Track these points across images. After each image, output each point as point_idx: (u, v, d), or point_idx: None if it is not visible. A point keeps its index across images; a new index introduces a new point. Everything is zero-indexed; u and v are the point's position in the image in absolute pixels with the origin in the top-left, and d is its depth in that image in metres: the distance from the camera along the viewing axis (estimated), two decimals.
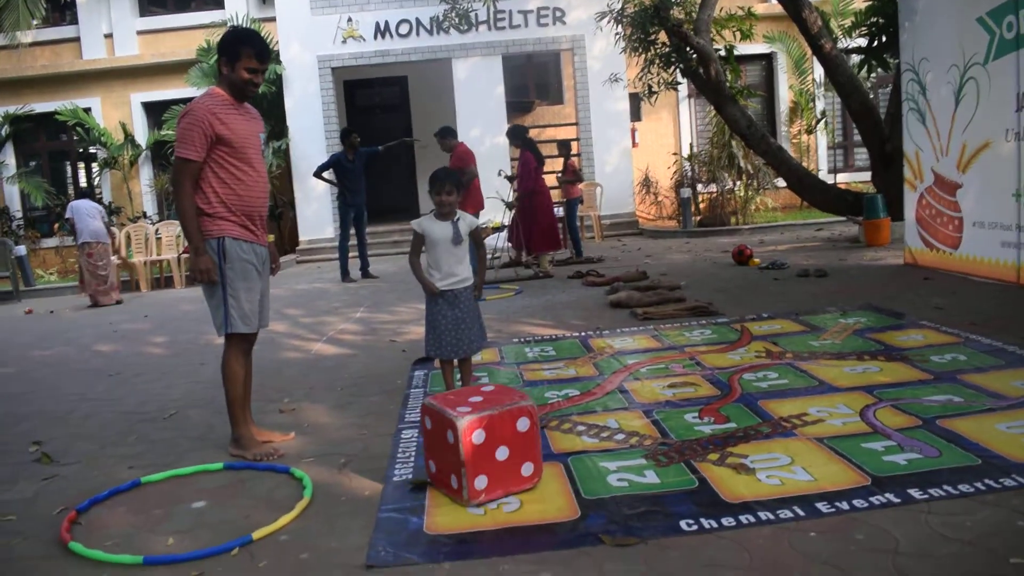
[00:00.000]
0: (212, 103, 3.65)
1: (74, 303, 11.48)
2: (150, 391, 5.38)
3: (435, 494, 3.09)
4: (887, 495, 2.75)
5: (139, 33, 16.00)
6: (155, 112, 15.79)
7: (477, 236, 4.38)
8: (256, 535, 2.84)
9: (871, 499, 2.73)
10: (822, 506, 2.70)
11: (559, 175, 11.20)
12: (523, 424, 3.04)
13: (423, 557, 2.58)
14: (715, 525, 2.63)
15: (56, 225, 15.60)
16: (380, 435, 3.93)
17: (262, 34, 14.81)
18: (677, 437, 3.50)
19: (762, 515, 2.67)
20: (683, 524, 2.65)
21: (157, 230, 13.52)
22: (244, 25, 3.95)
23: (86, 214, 10.96)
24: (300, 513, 3.03)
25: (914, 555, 2.35)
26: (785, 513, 2.67)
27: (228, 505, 3.22)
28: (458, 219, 4.27)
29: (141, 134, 15.80)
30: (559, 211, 12.13)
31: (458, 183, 4.32)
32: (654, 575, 2.35)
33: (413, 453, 3.59)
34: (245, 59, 3.67)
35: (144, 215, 15.22)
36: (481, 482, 2.95)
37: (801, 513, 2.66)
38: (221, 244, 3.66)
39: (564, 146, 11.26)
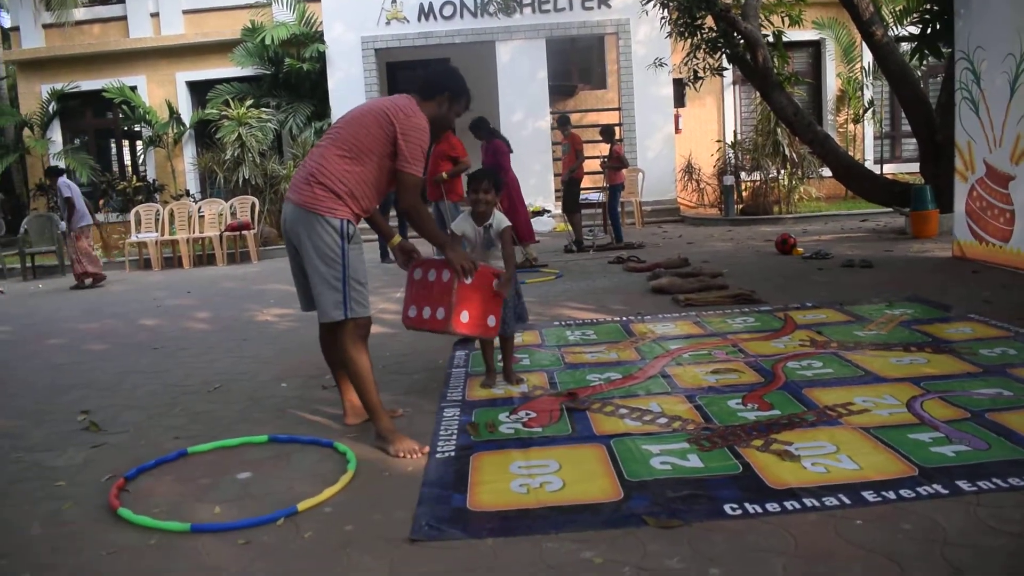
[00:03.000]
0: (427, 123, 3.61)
1: (62, 283, 11.51)
2: (195, 365, 5.47)
3: (478, 472, 3.10)
4: (935, 486, 2.71)
5: (184, 12, 16.21)
6: (199, 91, 15.98)
7: (506, 240, 4.26)
8: (301, 506, 2.88)
9: (918, 489, 2.69)
10: (868, 495, 2.67)
11: (603, 160, 11.15)
12: (496, 283, 3.90)
13: (466, 533, 2.60)
14: (760, 510, 2.61)
15: (101, 201, 15.86)
16: (423, 412, 3.96)
17: (306, 15, 14.98)
18: (720, 422, 3.48)
19: (807, 502, 2.64)
20: (727, 508, 2.63)
21: (200, 208, 13.69)
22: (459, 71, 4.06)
23: (80, 197, 10.95)
24: (344, 486, 3.06)
25: (963, 546, 2.32)
26: (831, 501, 2.64)
27: (273, 477, 3.26)
28: (490, 223, 4.23)
29: (185, 113, 15.99)
30: (601, 197, 12.10)
31: (497, 184, 4.29)
32: (699, 558, 2.34)
33: (456, 431, 3.61)
34: (461, 106, 3.76)
35: (187, 193, 15.42)
36: (464, 316, 3.76)
37: (847, 501, 2.63)
38: (345, 225, 3.47)
39: (607, 132, 11.19)
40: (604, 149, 11.37)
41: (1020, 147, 6.71)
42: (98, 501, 3.11)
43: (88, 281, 10.87)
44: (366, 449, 3.47)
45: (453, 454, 3.32)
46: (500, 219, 4.27)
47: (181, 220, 13.51)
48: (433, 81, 3.72)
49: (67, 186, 10.82)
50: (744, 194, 14.84)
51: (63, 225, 13.59)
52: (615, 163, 10.90)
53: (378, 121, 3.50)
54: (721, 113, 16.14)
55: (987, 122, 7.19)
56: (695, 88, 12.09)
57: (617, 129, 14.57)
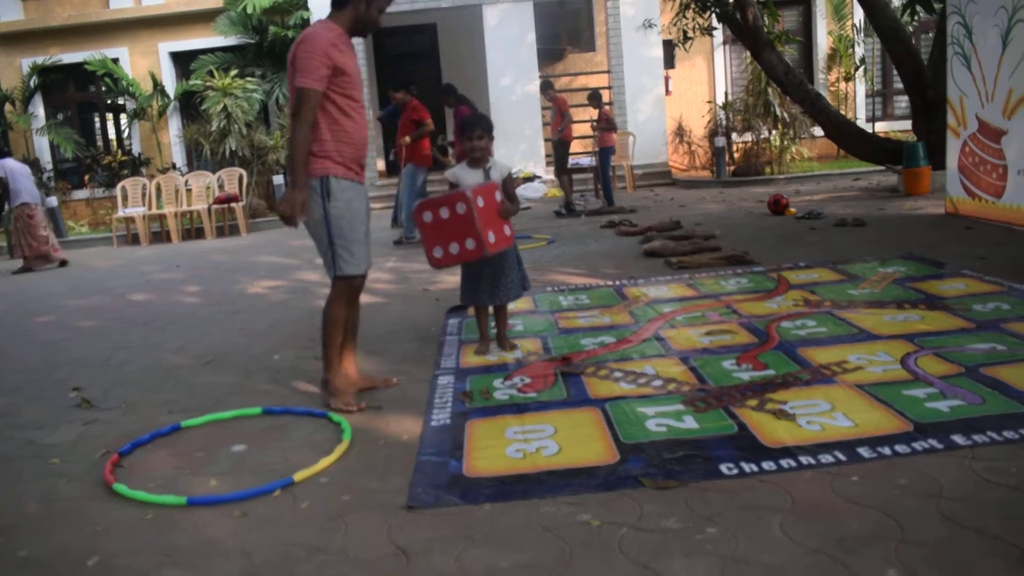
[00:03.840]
0: (331, 34, 3.47)
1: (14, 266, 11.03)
2: (186, 339, 5.44)
3: (474, 439, 3.09)
4: (930, 441, 2.71)
5: None
6: (183, 62, 15.75)
7: (509, 185, 4.29)
8: (297, 477, 2.87)
9: (913, 445, 2.70)
10: (864, 451, 2.68)
11: (594, 123, 11.07)
12: (498, 195, 4.05)
13: (464, 499, 2.59)
14: (756, 469, 2.61)
15: (87, 176, 15.72)
16: (417, 381, 3.94)
17: None
18: (715, 383, 3.48)
19: (803, 460, 2.65)
20: (723, 468, 2.64)
21: (187, 181, 13.59)
22: None
23: (21, 174, 10.51)
24: (340, 456, 3.05)
25: (958, 500, 2.33)
26: (826, 458, 2.65)
27: (268, 448, 3.25)
28: (490, 167, 4.23)
29: (169, 84, 15.78)
30: (592, 161, 12.02)
31: (489, 128, 4.26)
32: (696, 517, 2.35)
33: (450, 399, 3.60)
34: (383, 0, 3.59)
35: (173, 166, 15.27)
36: (491, 237, 3.88)
37: (843, 458, 2.64)
38: (325, 183, 3.50)
39: (595, 97, 11.07)
40: (594, 114, 11.28)
41: (1012, 101, 6.67)
42: (93, 477, 3.10)
43: (21, 265, 10.54)
44: (361, 418, 3.46)
45: (448, 421, 3.31)
46: (502, 165, 4.28)
47: (168, 194, 13.40)
48: None
49: (0, 166, 10.40)
50: (735, 155, 14.76)
51: (51, 201, 13.51)
52: (604, 125, 10.81)
53: (291, 72, 3.48)
54: (711, 74, 16.01)
55: (979, 77, 7.14)
56: (685, 49, 11.99)
57: (607, 92, 14.48)
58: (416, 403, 3.59)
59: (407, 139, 8.88)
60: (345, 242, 3.56)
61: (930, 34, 12.95)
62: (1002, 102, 6.81)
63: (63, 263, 10.70)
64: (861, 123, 14.49)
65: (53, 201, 13.71)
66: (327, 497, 2.73)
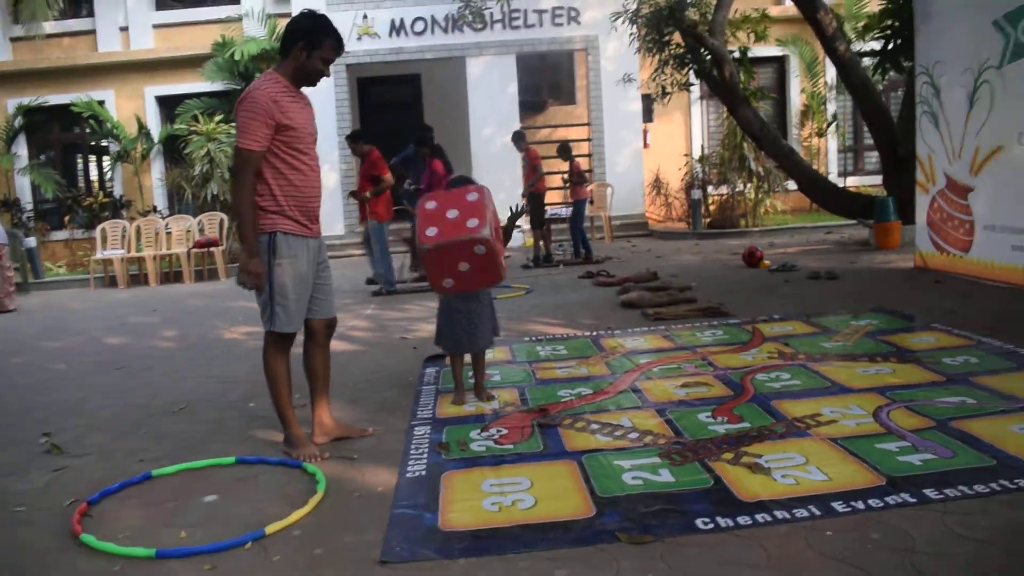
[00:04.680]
0: (272, 89, 3.46)
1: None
2: (161, 384, 5.39)
3: (450, 491, 3.08)
4: (902, 495, 2.74)
5: (155, 27, 16.02)
6: (169, 106, 15.80)
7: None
8: (269, 529, 2.84)
9: (887, 499, 2.72)
10: (838, 505, 2.70)
11: (564, 176, 11.16)
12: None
13: (438, 553, 2.58)
14: (731, 524, 2.62)
15: (67, 218, 15.65)
16: (393, 431, 3.92)
17: (277, 30, 14.86)
18: (691, 436, 3.49)
19: (778, 514, 2.66)
20: (699, 522, 2.64)
21: (167, 224, 13.55)
22: (318, 12, 3.83)
23: None
24: (313, 508, 3.02)
25: (931, 554, 2.35)
26: (801, 512, 2.66)
27: (240, 499, 3.22)
28: None
29: (154, 128, 15.82)
30: (566, 212, 12.10)
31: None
32: (672, 573, 2.34)
33: (426, 449, 3.58)
34: (326, 50, 3.54)
35: (154, 209, 15.24)
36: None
37: (817, 512, 2.66)
38: (272, 240, 3.52)
39: (564, 149, 11.06)
40: (566, 166, 11.37)
41: (979, 159, 6.84)
42: (60, 527, 3.05)
43: None
44: (335, 469, 3.44)
45: (424, 473, 3.30)
46: None
47: (148, 237, 13.35)
48: (285, 36, 3.58)
49: None
50: (711, 208, 14.95)
51: (30, 242, 13.38)
52: (575, 178, 10.91)
53: None
54: (688, 128, 16.27)
55: (947, 135, 7.33)
56: (663, 103, 12.20)
57: (584, 144, 14.65)
58: (392, 454, 3.57)
59: (367, 194, 8.85)
60: (284, 300, 3.59)
61: (899, 92, 13.27)
62: (969, 159, 6.98)
63: (9, 311, 10.34)
64: (833, 178, 14.78)
65: (32, 242, 13.60)
66: (299, 551, 2.70)
